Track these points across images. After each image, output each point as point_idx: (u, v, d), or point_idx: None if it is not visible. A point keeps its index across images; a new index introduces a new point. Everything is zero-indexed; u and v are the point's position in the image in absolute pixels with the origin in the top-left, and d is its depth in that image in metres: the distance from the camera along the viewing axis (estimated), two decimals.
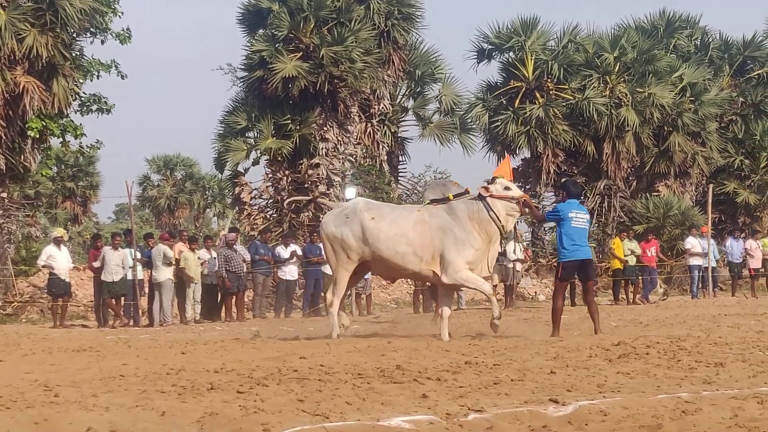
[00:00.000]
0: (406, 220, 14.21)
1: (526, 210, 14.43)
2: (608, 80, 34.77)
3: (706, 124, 36.18)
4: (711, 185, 32.44)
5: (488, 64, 36.91)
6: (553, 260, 31.04)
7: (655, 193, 35.28)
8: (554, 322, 14.01)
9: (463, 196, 14.30)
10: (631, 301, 26.85)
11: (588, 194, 34.22)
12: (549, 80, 34.79)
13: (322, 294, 17.32)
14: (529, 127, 33.98)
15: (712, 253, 28.39)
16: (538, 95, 34.58)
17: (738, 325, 15.67)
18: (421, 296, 24.96)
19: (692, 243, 28.41)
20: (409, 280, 22.73)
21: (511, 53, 35.82)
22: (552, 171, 34.46)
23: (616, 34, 36.99)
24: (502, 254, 25.75)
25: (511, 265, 26.19)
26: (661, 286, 29.57)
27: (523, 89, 34.82)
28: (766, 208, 37.27)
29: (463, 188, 14.57)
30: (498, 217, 13.94)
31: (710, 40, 41.40)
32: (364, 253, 14.14)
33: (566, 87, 34.56)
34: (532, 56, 34.76)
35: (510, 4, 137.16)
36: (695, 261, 28.17)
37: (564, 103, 34.34)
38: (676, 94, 35.55)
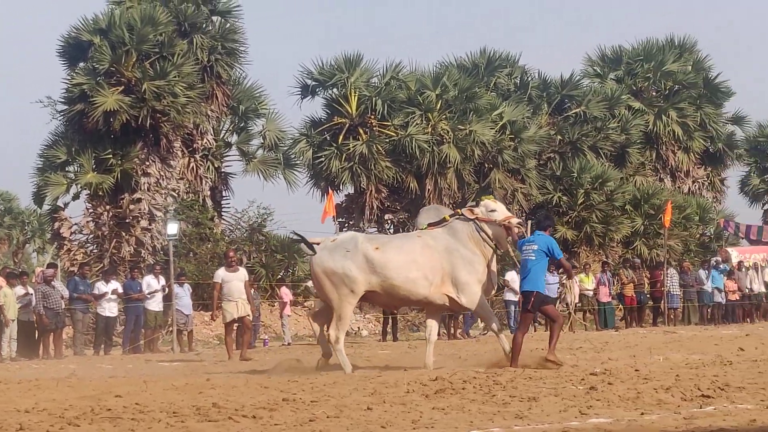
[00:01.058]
0: (411, 247, 14.50)
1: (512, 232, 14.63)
2: (430, 117, 35.35)
3: (525, 161, 36.94)
4: (530, 221, 33.40)
5: (312, 100, 37.31)
6: None
7: None
8: (512, 353, 14.22)
9: (455, 217, 14.74)
10: (452, 335, 27.49)
11: (410, 230, 34.92)
12: (372, 117, 35.29)
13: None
14: (352, 163, 34.33)
15: None
16: (361, 131, 35.05)
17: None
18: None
19: (512, 277, 29.12)
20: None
21: (334, 89, 36.25)
22: (375, 207, 34.91)
23: (437, 72, 37.71)
24: None
25: None
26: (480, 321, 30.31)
27: (347, 125, 35.24)
28: (583, 244, 37.96)
29: (454, 211, 15.22)
30: (489, 237, 14.42)
31: (529, 78, 42.32)
32: (371, 284, 14.22)
33: (389, 123, 35.09)
34: (355, 93, 35.24)
35: (334, 41, 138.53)
36: (511, 296, 28.90)
37: (387, 140, 34.84)
38: (496, 131, 36.15)
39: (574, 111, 41.25)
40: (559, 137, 40.29)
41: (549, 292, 30.11)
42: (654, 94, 45.56)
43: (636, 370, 13.07)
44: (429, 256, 14.38)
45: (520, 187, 36.98)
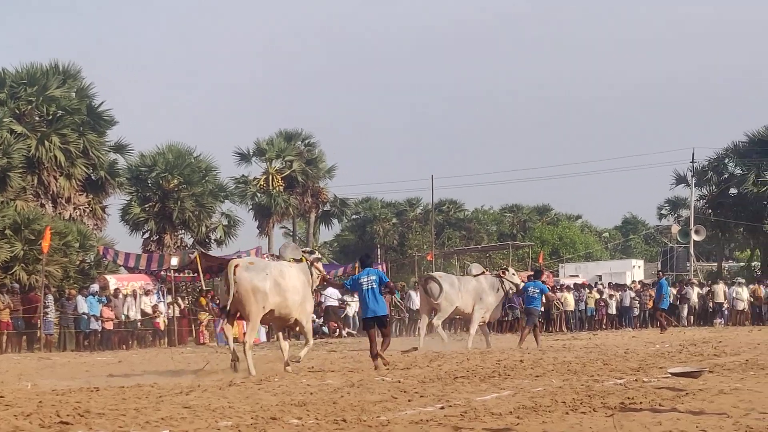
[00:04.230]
0: (294, 275, 18.65)
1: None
2: None
3: None
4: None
5: None
6: None
7: None
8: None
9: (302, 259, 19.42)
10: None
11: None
12: None
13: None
14: None
15: None
16: None
17: None
18: None
19: None
20: None
21: None
22: None
23: None
24: None
25: None
26: None
27: None
28: None
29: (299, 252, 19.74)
30: (315, 279, 19.47)
31: None
32: (274, 304, 18.13)
33: None
34: None
35: None
36: None
37: None
38: None
39: None
40: None
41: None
42: (37, 118, 46.59)
43: (1, 397, 13.53)
44: (301, 284, 18.73)
45: None
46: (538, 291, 29.27)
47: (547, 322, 42.34)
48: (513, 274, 29.65)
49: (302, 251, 20.15)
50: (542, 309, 33.13)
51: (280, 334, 19.43)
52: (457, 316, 30.01)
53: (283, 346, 19.13)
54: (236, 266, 18.06)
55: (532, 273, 31.78)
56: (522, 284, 29.56)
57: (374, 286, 19.82)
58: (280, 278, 18.31)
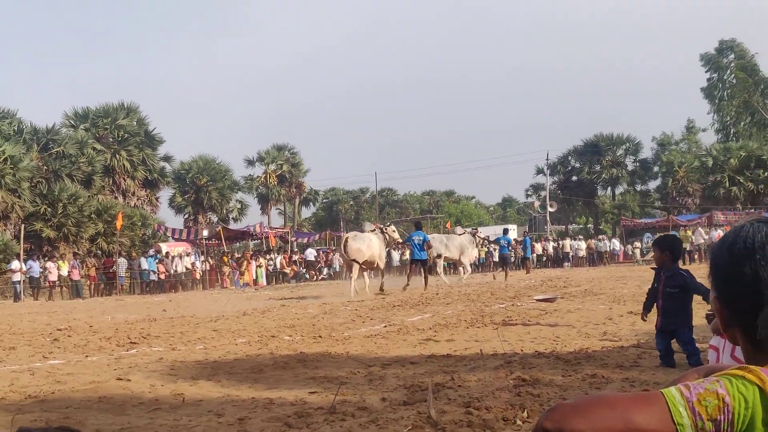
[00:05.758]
0: (374, 240, 21.00)
1: (395, 240, 23.17)
2: None
3: (21, 183, 36.37)
4: (23, 225, 33.27)
5: None
6: None
7: None
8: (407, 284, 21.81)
9: (379, 228, 22.03)
10: None
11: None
12: None
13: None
14: None
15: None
16: None
17: (35, 320, 16.15)
18: None
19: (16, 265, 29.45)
20: None
21: None
22: None
23: None
24: None
25: None
26: None
27: None
28: (62, 240, 37.44)
29: (374, 226, 22.44)
30: (388, 242, 22.24)
31: (24, 127, 41.96)
32: (369, 257, 20.65)
33: None
34: None
35: None
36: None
37: None
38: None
39: (56, 150, 41.21)
40: (45, 167, 40.12)
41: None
42: (111, 140, 46.32)
43: (90, 326, 13.47)
44: (378, 245, 21.12)
45: (17, 202, 36.31)
46: (506, 243, 29.54)
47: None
48: (480, 232, 30.42)
49: (382, 224, 23.20)
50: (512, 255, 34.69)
51: (365, 275, 21.44)
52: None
53: (365, 280, 21.34)
54: (348, 238, 21.01)
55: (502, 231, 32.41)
56: (484, 239, 30.83)
57: (420, 242, 21.75)
58: (370, 243, 20.81)
